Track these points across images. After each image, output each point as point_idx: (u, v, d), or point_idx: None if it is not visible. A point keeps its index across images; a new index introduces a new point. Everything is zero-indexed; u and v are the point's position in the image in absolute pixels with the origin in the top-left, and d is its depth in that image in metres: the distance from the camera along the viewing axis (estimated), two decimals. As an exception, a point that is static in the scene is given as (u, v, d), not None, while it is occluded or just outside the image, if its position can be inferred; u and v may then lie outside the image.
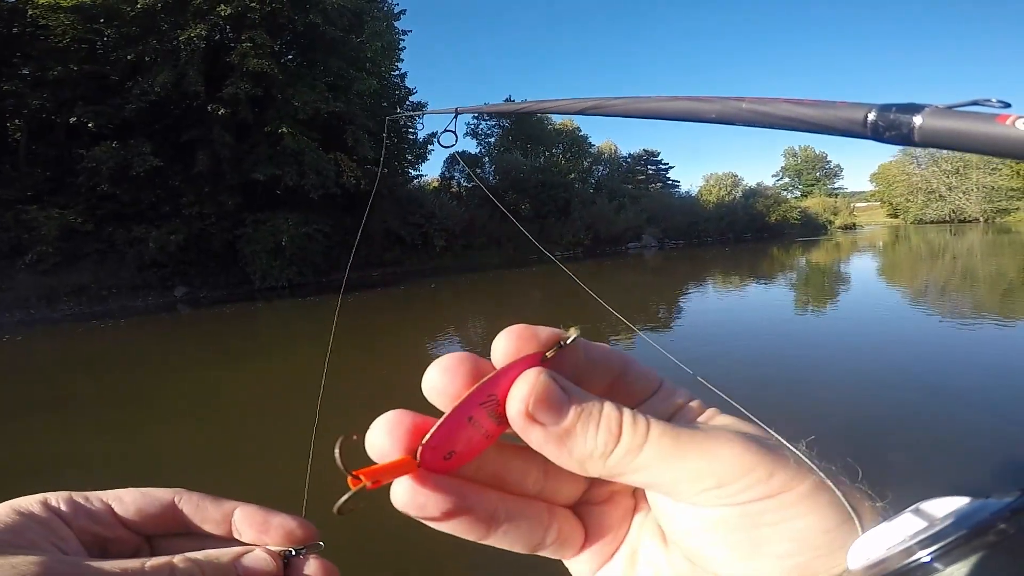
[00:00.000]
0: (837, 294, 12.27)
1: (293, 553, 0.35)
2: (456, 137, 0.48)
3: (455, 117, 0.48)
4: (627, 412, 0.28)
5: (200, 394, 6.76)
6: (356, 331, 10.35)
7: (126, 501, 0.35)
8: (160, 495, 0.35)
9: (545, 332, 0.29)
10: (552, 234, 31.21)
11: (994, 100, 0.24)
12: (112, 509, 0.34)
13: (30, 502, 0.32)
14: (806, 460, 0.27)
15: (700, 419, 0.31)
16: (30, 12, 15.89)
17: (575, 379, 0.29)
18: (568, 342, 0.29)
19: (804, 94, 0.33)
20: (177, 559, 0.32)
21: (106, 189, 17.35)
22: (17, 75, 16.84)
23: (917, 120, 0.25)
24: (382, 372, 7.09)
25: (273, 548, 0.35)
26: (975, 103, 0.24)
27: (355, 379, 6.86)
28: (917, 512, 0.23)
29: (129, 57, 17.24)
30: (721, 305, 11.30)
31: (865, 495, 0.28)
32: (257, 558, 0.34)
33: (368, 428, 0.28)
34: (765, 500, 0.26)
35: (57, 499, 0.33)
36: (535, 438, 0.27)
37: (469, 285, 18.37)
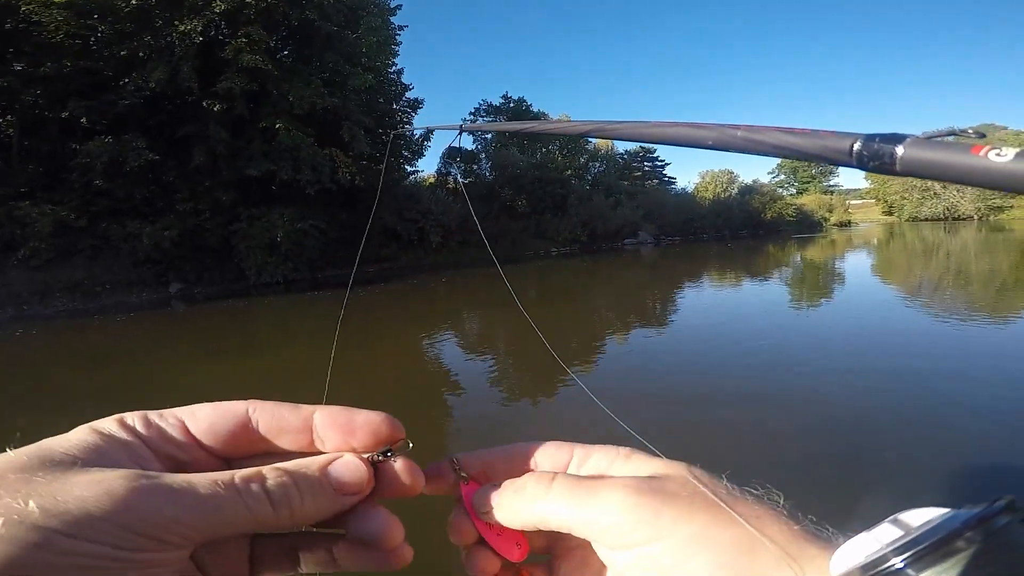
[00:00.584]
0: (830, 292, 12.33)
1: (382, 457, 0.34)
2: (461, 152, 0.49)
3: (459, 134, 0.49)
4: (532, 474, 0.35)
5: (198, 390, 6.74)
6: (354, 327, 10.35)
7: (199, 417, 0.32)
8: (234, 407, 0.33)
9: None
10: (548, 230, 31.22)
11: (970, 131, 0.25)
12: (187, 428, 0.32)
13: (108, 422, 0.30)
14: (709, 493, 0.30)
15: (614, 464, 0.36)
16: (23, 8, 15.73)
17: (487, 472, 0.38)
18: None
19: (798, 114, 0.35)
20: (266, 470, 0.30)
21: (100, 184, 17.26)
22: (10, 71, 16.71)
23: (899, 150, 0.26)
24: (380, 368, 7.10)
25: (362, 454, 0.34)
26: (952, 133, 0.25)
27: (354, 376, 6.88)
28: (895, 522, 0.25)
29: (123, 53, 17.11)
30: (712, 301, 11.34)
31: (780, 519, 0.29)
32: (347, 464, 0.33)
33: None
34: (656, 543, 0.29)
35: (133, 419, 0.31)
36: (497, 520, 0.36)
37: (465, 281, 18.36)
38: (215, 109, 17.89)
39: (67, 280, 16.91)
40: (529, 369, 6.63)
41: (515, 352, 7.75)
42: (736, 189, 45.69)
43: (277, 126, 18.79)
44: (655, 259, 25.48)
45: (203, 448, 0.32)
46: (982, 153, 0.23)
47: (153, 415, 0.32)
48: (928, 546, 0.21)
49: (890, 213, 55.09)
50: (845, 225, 51.96)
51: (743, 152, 0.36)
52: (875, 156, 0.27)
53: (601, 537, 0.31)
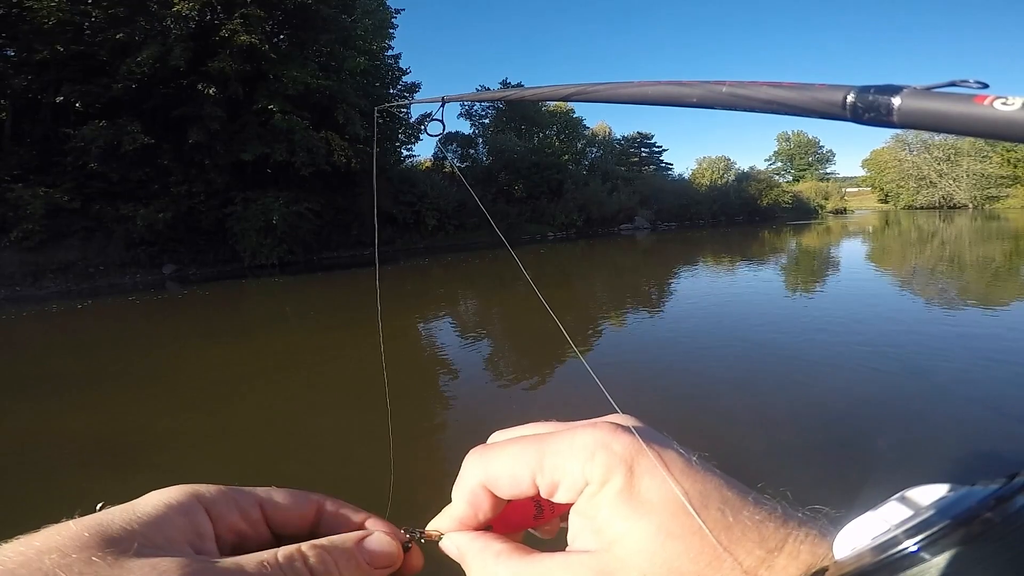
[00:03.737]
0: (825, 277, 12.35)
1: (410, 542, 0.37)
2: (443, 125, 0.48)
3: (442, 106, 0.48)
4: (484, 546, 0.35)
5: (195, 369, 6.74)
6: (350, 309, 10.34)
7: (277, 501, 0.36)
8: (309, 500, 0.37)
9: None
10: (545, 215, 31.17)
11: (972, 81, 0.24)
12: (261, 508, 0.35)
13: (181, 493, 0.32)
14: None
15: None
16: (16, -7, 15.52)
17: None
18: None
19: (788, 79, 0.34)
20: (304, 547, 0.33)
21: (94, 167, 17.15)
22: (2, 56, 16.51)
23: (896, 101, 0.25)
24: (375, 350, 7.09)
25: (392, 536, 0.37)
26: (953, 84, 0.24)
27: (346, 359, 6.89)
28: (903, 500, 0.23)
29: (118, 36, 16.87)
30: (709, 287, 11.36)
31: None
32: (379, 539, 0.36)
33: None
34: None
35: (210, 491, 0.33)
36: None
37: (461, 264, 18.34)
38: (209, 92, 17.70)
39: (60, 261, 16.84)
40: (533, 344, 6.67)
41: (523, 328, 7.77)
42: (733, 175, 45.70)
43: (271, 108, 18.61)
44: (651, 244, 25.47)
45: (270, 525, 0.35)
46: (987, 102, 0.22)
47: (234, 492, 0.34)
48: (944, 527, 0.20)
49: (886, 201, 55.17)
50: (841, 212, 52.04)
51: (729, 109, 0.35)
52: (870, 108, 0.26)
53: None
